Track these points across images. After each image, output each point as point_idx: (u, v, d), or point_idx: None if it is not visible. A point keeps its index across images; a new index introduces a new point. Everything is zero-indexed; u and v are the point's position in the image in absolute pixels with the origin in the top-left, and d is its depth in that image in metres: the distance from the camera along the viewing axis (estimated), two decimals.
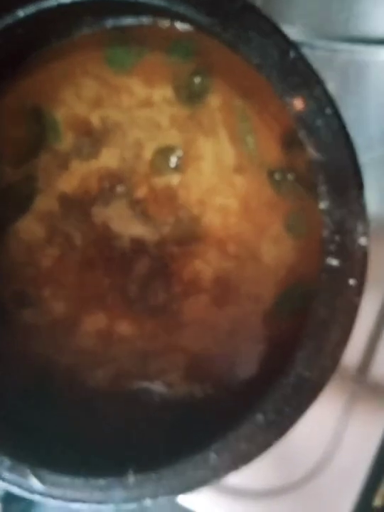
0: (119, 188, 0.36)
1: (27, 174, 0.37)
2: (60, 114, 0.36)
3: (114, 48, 0.35)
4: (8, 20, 0.31)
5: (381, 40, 0.41)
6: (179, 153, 0.35)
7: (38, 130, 0.36)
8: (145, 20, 0.34)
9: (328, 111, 0.26)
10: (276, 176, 0.34)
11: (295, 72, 0.27)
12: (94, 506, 0.30)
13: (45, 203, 0.37)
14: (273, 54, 0.27)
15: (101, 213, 0.36)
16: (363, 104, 0.41)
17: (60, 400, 0.35)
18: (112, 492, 0.30)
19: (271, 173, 0.34)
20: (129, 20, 0.35)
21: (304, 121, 0.27)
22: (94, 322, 0.36)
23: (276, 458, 0.42)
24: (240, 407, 0.30)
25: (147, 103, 0.36)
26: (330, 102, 0.26)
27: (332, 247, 0.27)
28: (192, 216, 0.35)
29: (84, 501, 0.30)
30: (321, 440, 0.43)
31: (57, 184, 0.36)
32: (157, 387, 0.35)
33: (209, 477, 0.29)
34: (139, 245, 0.36)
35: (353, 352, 0.42)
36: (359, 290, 0.27)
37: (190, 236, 0.35)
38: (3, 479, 0.31)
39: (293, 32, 0.28)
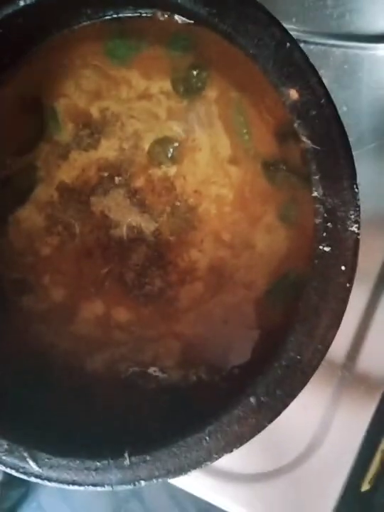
0: (118, 178, 0.37)
1: (27, 164, 0.37)
2: (60, 105, 0.37)
3: (114, 40, 0.36)
4: (9, 9, 0.32)
5: (375, 36, 0.42)
6: (176, 144, 0.36)
7: (38, 121, 0.37)
8: (144, 12, 0.35)
9: (323, 101, 0.27)
10: (271, 167, 0.35)
11: (291, 62, 0.27)
12: (91, 488, 0.31)
13: (45, 192, 0.37)
14: (269, 45, 0.28)
15: (99, 203, 0.37)
16: (357, 98, 0.42)
17: (58, 384, 0.36)
18: (108, 474, 0.31)
19: (265, 165, 0.35)
20: (128, 13, 0.35)
21: (299, 111, 0.28)
22: (92, 309, 0.37)
23: (266, 443, 0.43)
24: (233, 391, 0.30)
25: (146, 95, 0.36)
26: (325, 92, 0.27)
27: (324, 234, 0.28)
28: (188, 206, 0.36)
29: (80, 484, 0.31)
30: (310, 427, 0.43)
31: (57, 174, 0.37)
32: (153, 372, 0.36)
33: (203, 459, 0.30)
34: (136, 234, 0.36)
35: (341, 341, 0.43)
36: (350, 276, 0.28)
37: (186, 225, 0.36)
38: (0, 462, 0.32)
39: (288, 28, 0.29)
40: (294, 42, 0.28)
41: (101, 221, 0.37)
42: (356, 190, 0.28)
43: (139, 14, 0.35)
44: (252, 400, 0.29)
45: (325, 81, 0.28)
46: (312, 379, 0.29)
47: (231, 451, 0.30)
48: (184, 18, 0.34)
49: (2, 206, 0.37)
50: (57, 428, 0.33)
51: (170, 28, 0.35)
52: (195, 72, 0.35)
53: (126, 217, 0.37)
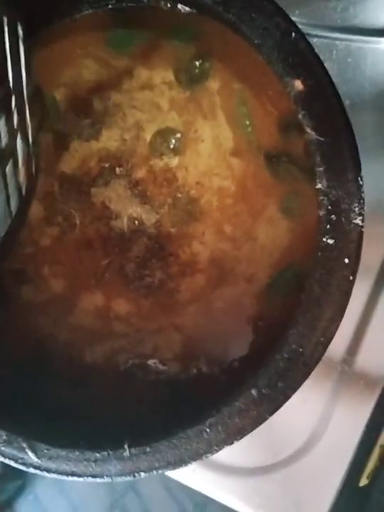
0: (119, 169, 0.36)
1: None
2: (61, 95, 0.37)
3: (116, 30, 0.36)
4: None
5: (379, 30, 0.42)
6: (178, 135, 0.36)
7: (39, 110, 0.37)
8: (146, 1, 0.35)
9: (328, 92, 0.27)
10: (273, 159, 0.34)
11: (296, 53, 0.27)
12: (90, 479, 0.31)
13: (45, 183, 0.37)
14: (274, 35, 0.28)
15: (100, 194, 0.37)
16: (360, 92, 0.42)
17: (57, 375, 0.36)
18: (107, 466, 0.30)
19: (268, 157, 0.35)
20: (130, 2, 0.35)
21: (304, 102, 0.27)
22: (92, 300, 0.36)
23: (265, 437, 0.43)
24: (234, 383, 0.30)
25: (148, 85, 0.36)
26: (329, 83, 0.27)
27: (328, 227, 0.28)
28: (190, 198, 0.36)
29: (79, 475, 0.31)
30: (309, 421, 0.43)
31: (58, 164, 0.37)
32: (153, 364, 0.36)
33: (203, 451, 0.30)
34: (137, 225, 0.36)
35: (341, 336, 0.43)
36: (354, 269, 0.28)
37: (188, 217, 0.36)
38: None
39: None
40: (300, 32, 0.27)
41: (101, 212, 0.37)
42: (361, 182, 0.28)
43: (141, 3, 0.35)
44: (254, 392, 0.29)
45: None
46: (312, 373, 0.29)
47: (232, 443, 0.30)
48: (187, 8, 0.34)
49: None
50: (57, 419, 0.33)
51: (173, 17, 0.34)
52: (198, 63, 0.35)
53: (127, 209, 0.36)
